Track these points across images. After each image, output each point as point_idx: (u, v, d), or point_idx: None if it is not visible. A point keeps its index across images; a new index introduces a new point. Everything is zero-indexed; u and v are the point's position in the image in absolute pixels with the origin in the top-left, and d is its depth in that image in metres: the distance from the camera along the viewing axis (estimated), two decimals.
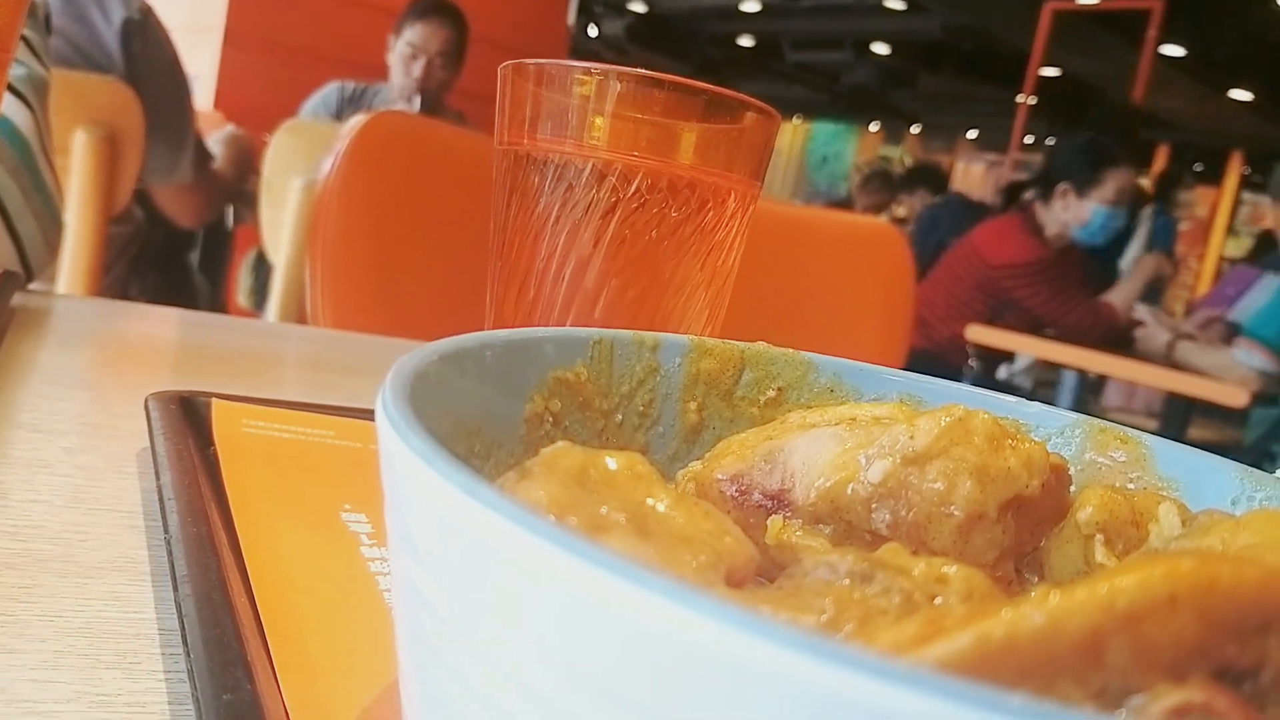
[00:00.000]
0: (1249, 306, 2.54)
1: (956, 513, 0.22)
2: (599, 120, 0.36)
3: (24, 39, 0.69)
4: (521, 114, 0.37)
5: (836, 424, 0.25)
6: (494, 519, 0.12)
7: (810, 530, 0.23)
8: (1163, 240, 4.08)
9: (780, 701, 0.10)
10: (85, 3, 1.47)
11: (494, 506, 0.12)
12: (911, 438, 0.22)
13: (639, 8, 9.54)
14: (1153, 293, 2.84)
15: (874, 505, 0.22)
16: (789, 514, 0.24)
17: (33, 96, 0.66)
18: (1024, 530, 0.23)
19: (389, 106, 2.25)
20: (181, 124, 1.61)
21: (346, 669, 0.23)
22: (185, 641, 0.22)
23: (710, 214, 0.37)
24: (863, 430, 0.24)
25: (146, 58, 1.50)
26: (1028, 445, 0.23)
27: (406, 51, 2.28)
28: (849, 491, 0.23)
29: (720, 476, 0.25)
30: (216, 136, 1.94)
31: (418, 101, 2.25)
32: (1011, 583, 0.23)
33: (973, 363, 2.65)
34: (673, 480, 0.26)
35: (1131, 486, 0.26)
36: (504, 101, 0.38)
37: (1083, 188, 2.40)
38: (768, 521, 0.23)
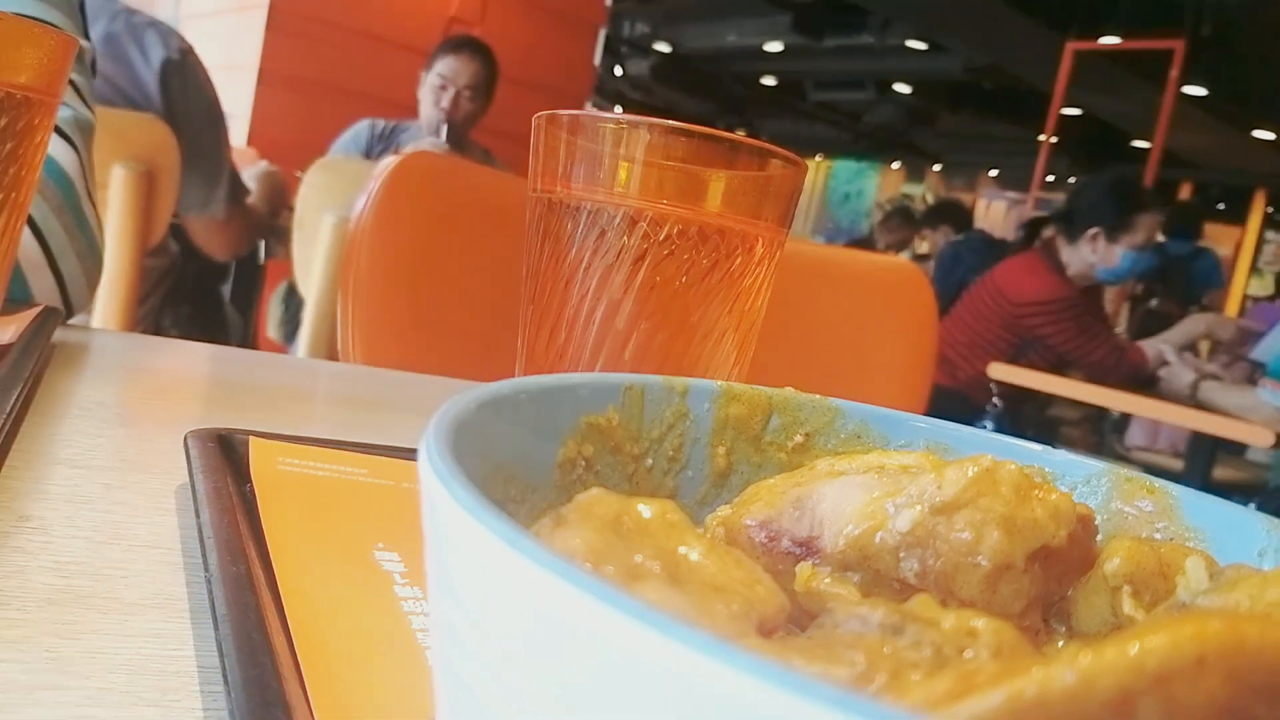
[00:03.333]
0: (1273, 346, 2.52)
1: (984, 563, 0.22)
2: (630, 168, 0.37)
3: (71, 82, 0.71)
4: (555, 162, 0.38)
5: (864, 472, 0.25)
6: (536, 571, 0.13)
7: (839, 578, 0.23)
8: (1211, 278, 4.04)
9: None
10: (125, 43, 1.51)
11: (535, 559, 0.13)
12: (939, 487, 0.23)
13: (664, 48, 9.65)
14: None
15: (902, 554, 0.23)
16: (818, 561, 0.24)
17: (78, 138, 0.69)
18: (1051, 580, 0.24)
19: (418, 143, 2.29)
20: (217, 160, 1.64)
21: (382, 710, 0.23)
22: (226, 680, 0.23)
23: (738, 260, 0.38)
24: (890, 479, 0.24)
25: (185, 97, 1.53)
26: (1055, 496, 0.23)
27: (436, 83, 2.34)
28: (877, 540, 0.23)
29: (749, 522, 0.25)
30: (250, 172, 1.98)
31: (444, 131, 2.30)
32: (1039, 632, 0.23)
33: (996, 401, 2.63)
34: (702, 524, 0.26)
35: (1158, 536, 0.27)
36: (537, 150, 0.39)
37: (1113, 232, 2.40)
38: (796, 569, 0.24)
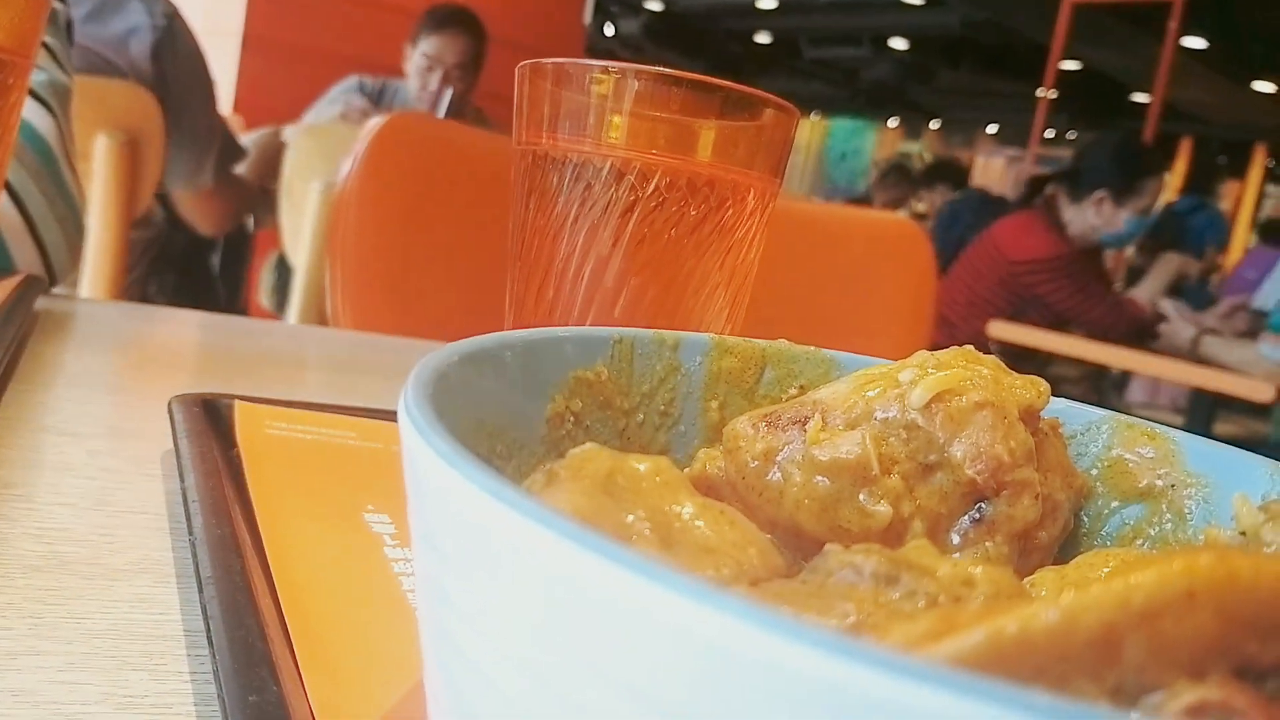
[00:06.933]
0: (1272, 294, 2.51)
1: (986, 414, 0.22)
2: (617, 119, 0.36)
3: (45, 45, 0.70)
4: (539, 113, 0.37)
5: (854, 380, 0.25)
6: (517, 520, 0.12)
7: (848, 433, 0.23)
8: (1214, 235, 4.03)
9: (794, 697, 0.10)
10: (108, 10, 1.47)
11: (517, 507, 0.12)
12: (936, 363, 0.24)
13: (655, 6, 9.53)
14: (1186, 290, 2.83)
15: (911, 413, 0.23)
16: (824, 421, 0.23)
17: (54, 101, 0.67)
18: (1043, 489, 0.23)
19: (409, 105, 2.24)
20: (208, 129, 1.61)
21: (371, 669, 0.23)
22: (211, 643, 0.22)
23: (729, 212, 0.37)
24: (882, 377, 0.24)
25: (174, 65, 1.50)
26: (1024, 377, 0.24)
27: (423, 63, 2.22)
28: (889, 395, 0.23)
29: (746, 423, 0.24)
30: (247, 139, 1.94)
31: (444, 108, 2.22)
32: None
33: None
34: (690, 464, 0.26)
35: (1159, 484, 0.26)
36: (521, 101, 0.38)
37: (1121, 196, 2.37)
38: (806, 426, 0.23)
